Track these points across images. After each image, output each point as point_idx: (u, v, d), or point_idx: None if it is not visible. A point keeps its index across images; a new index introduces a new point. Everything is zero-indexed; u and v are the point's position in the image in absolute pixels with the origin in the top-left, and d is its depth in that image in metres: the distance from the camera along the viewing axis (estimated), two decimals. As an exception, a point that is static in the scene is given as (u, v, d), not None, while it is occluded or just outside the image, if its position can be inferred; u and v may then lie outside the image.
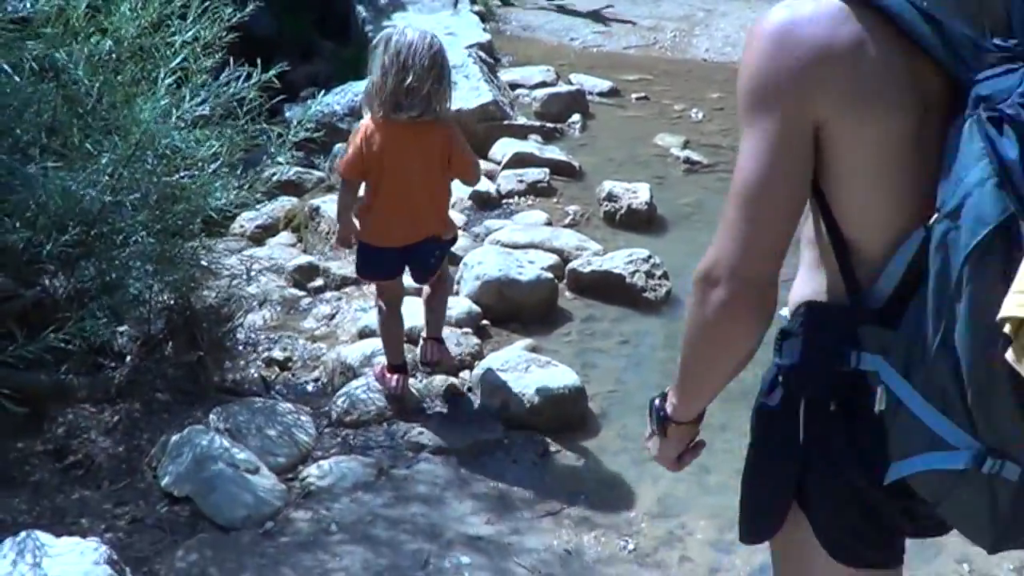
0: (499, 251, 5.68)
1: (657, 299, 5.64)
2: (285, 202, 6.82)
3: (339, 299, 5.64)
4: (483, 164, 6.73)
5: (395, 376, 4.47)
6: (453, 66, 4.49)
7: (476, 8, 10.99)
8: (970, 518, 1.81)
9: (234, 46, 4.48)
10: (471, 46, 9.13)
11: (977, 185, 1.59)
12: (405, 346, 4.62)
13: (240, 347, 5.07)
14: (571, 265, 5.72)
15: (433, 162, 4.24)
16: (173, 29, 4.36)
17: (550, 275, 5.52)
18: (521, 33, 11.34)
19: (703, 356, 1.93)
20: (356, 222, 4.38)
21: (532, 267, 5.50)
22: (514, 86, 9.11)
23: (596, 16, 12.08)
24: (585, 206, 6.80)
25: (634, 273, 5.68)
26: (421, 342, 4.75)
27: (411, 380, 4.56)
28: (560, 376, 4.58)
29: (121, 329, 4.61)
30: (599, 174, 7.27)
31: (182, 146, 4.21)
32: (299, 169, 7.10)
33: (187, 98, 4.31)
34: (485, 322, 5.21)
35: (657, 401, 2.12)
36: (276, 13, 10.24)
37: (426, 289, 4.67)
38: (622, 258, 5.77)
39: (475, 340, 5.00)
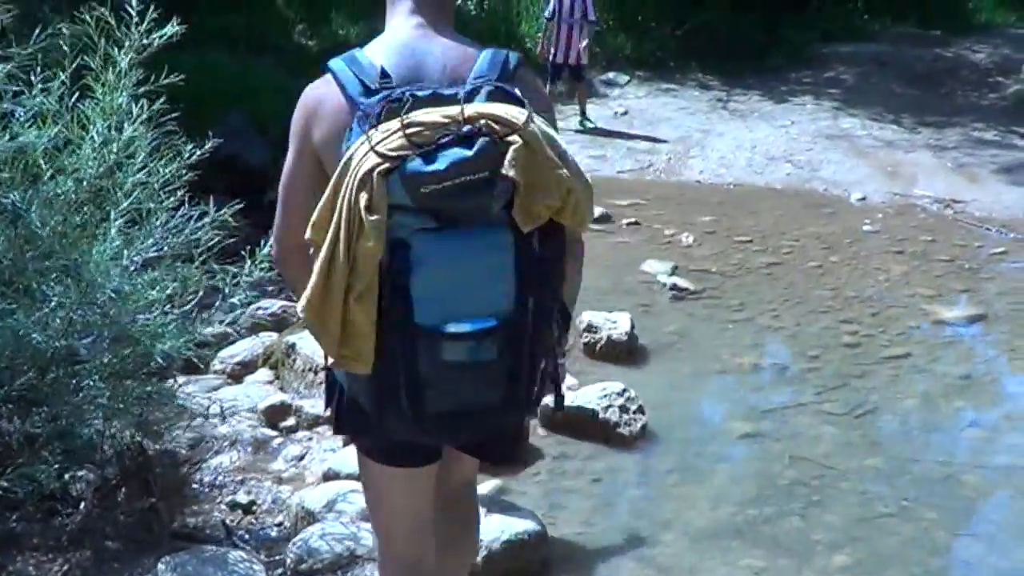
0: (473, 386, 5.52)
1: (632, 434, 5.52)
2: (266, 339, 6.74)
3: (310, 439, 5.53)
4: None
5: None
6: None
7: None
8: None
9: (227, 177, 4.46)
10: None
11: None
12: None
13: (206, 490, 4.95)
14: (544, 401, 5.54)
15: None
16: (125, 169, 4.31)
17: (523, 412, 5.35)
18: (515, 158, 11.30)
19: (290, 285, 2.95)
20: None
21: (505, 404, 5.32)
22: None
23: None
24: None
25: (608, 408, 5.57)
26: None
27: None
28: (519, 522, 4.37)
29: (80, 474, 4.51)
30: (581, 304, 7.10)
31: (129, 288, 4.14)
32: (284, 303, 7.02)
33: (140, 239, 4.25)
34: (455, 461, 5.05)
35: None
36: (270, 143, 10.30)
37: None
38: (595, 393, 5.67)
39: (442, 481, 4.83)
